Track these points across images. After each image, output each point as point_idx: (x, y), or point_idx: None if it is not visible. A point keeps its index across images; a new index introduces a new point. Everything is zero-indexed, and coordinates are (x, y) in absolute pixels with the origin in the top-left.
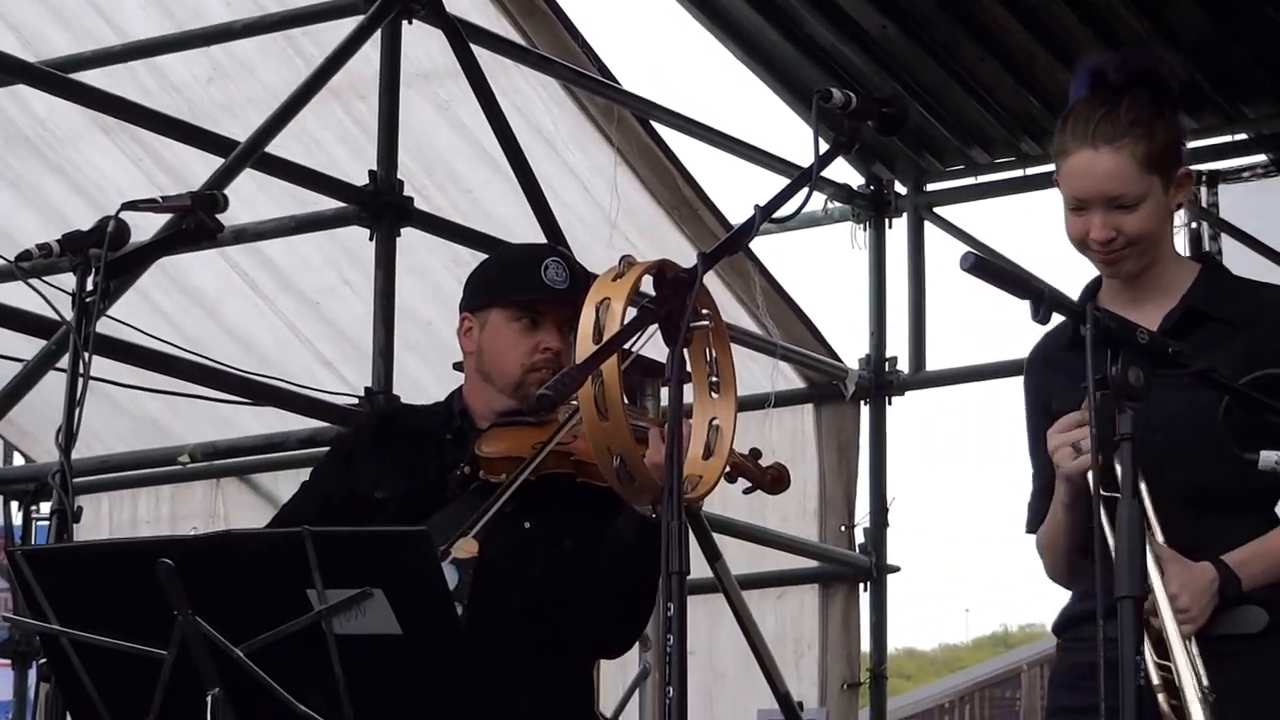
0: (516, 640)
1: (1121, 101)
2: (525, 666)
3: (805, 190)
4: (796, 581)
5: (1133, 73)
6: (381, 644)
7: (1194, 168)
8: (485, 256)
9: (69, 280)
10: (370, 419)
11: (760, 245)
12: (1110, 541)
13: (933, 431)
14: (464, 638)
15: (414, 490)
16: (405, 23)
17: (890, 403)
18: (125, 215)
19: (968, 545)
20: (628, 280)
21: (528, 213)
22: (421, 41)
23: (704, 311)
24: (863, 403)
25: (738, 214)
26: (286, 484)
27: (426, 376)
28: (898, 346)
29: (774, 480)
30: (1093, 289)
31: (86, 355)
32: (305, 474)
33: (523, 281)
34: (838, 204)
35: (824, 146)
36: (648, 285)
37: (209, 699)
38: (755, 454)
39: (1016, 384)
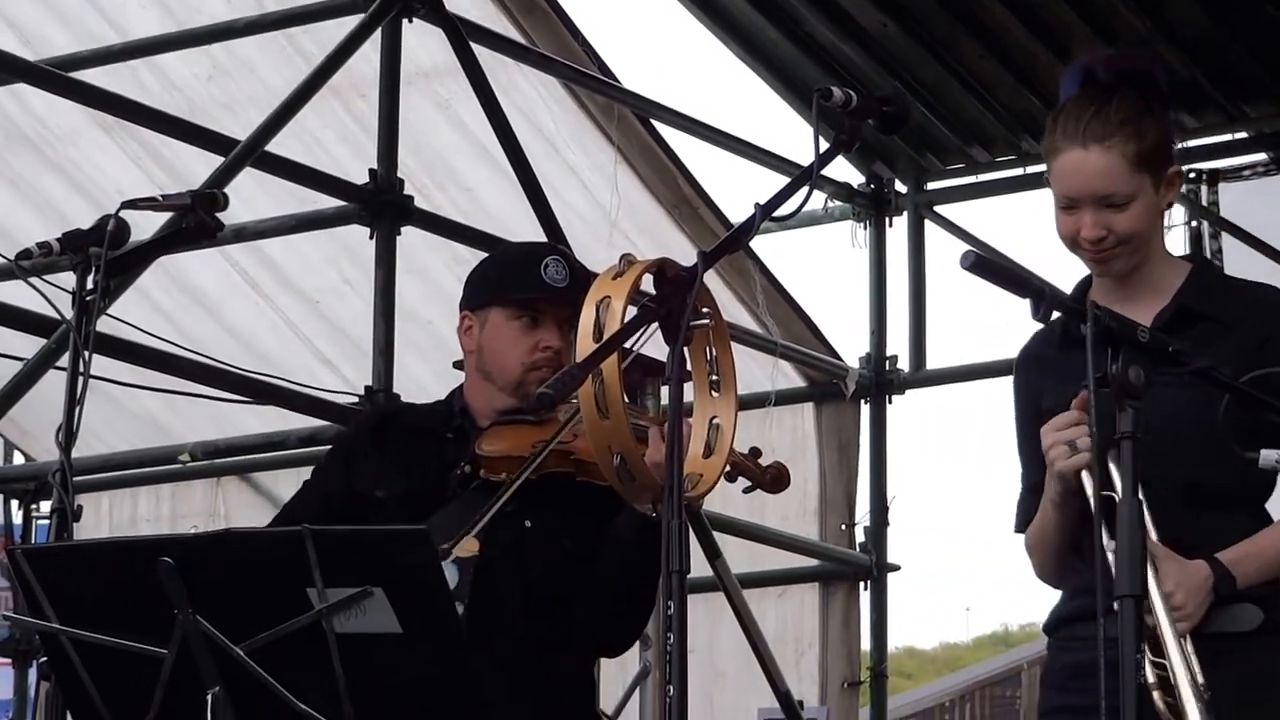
0: (517, 639)
1: (1112, 100)
2: (526, 665)
3: (805, 189)
4: (797, 580)
5: (1123, 72)
6: (382, 643)
7: (1195, 166)
8: (485, 255)
9: (69, 279)
10: (370, 418)
11: (760, 244)
12: (1106, 540)
13: (933, 430)
14: (464, 637)
15: (414, 489)
16: (405, 21)
17: (890, 401)
18: (125, 214)
19: (968, 544)
20: (628, 279)
21: (528, 211)
22: (422, 40)
23: (704, 310)
24: (863, 401)
25: (738, 212)
26: (287, 483)
27: (427, 375)
28: (898, 345)
29: (774, 479)
30: (1083, 288)
31: (87, 354)
32: (305, 473)
33: (523, 280)
34: (838, 202)
35: (824, 145)
36: (648, 284)
37: (209, 698)
38: (755, 453)
39: None
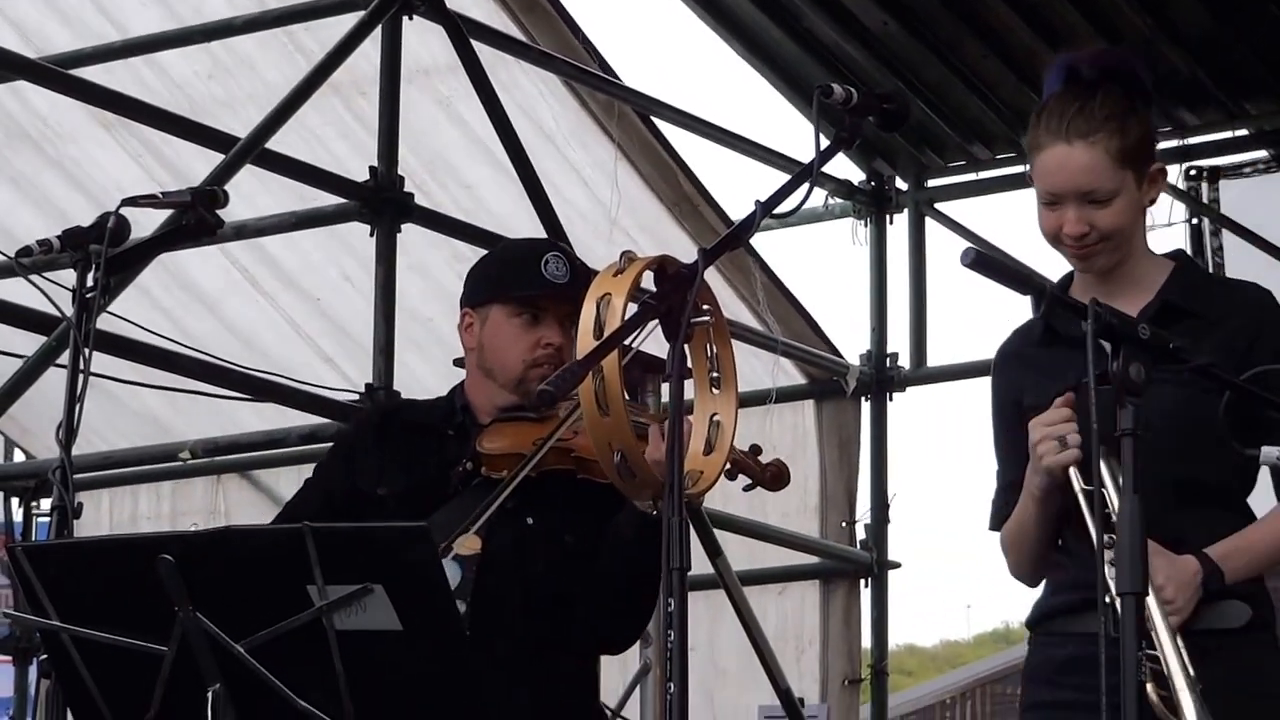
0: (518, 636)
1: (1095, 97)
2: (527, 662)
3: (806, 186)
4: (797, 578)
5: (1106, 68)
6: (382, 640)
7: (1196, 163)
8: (486, 252)
9: (69, 276)
10: (372, 415)
11: (761, 241)
12: (1095, 539)
13: (934, 427)
14: (465, 634)
15: (416, 486)
16: (406, 18)
17: (891, 399)
18: (125, 211)
19: (969, 541)
20: (628, 276)
21: (528, 209)
22: (422, 37)
23: (705, 307)
24: (864, 399)
25: (738, 210)
26: (287, 480)
27: (427, 373)
28: (899, 342)
29: (774, 477)
30: (1065, 284)
31: (87, 351)
32: (306, 470)
33: (523, 277)
34: (839, 200)
35: (825, 142)
36: (649, 281)
37: (210, 695)
38: (755, 450)
39: None
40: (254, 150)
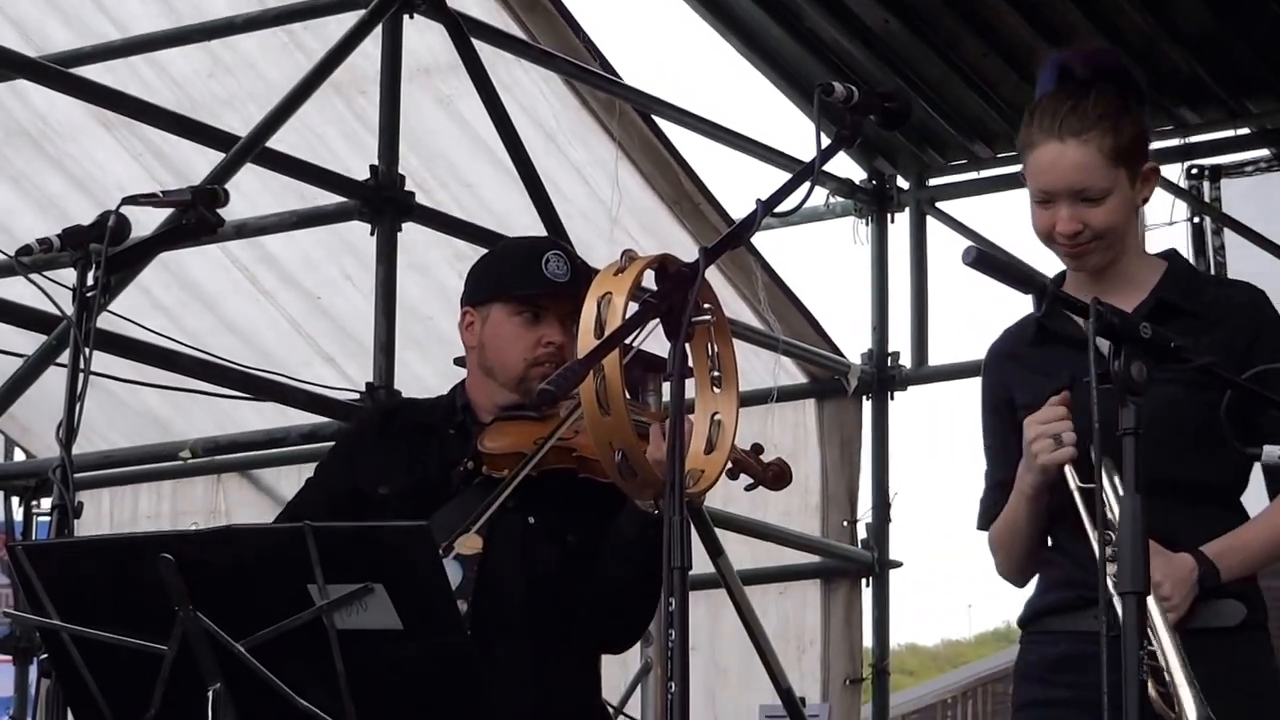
0: (520, 636)
1: (1088, 95)
2: (528, 662)
3: (807, 185)
4: (799, 577)
5: (1099, 68)
6: (383, 639)
7: (1198, 162)
8: (486, 251)
9: (69, 275)
10: (373, 415)
11: (762, 240)
12: (1093, 536)
13: (935, 426)
14: (466, 633)
15: (417, 486)
16: (406, 17)
17: (892, 398)
18: (126, 210)
19: (970, 540)
20: (629, 275)
21: (529, 207)
22: (423, 36)
23: (706, 306)
24: (865, 398)
25: (739, 209)
26: (288, 479)
27: (428, 372)
28: (900, 341)
29: (775, 476)
30: (1058, 284)
31: (87, 350)
32: (306, 469)
33: (524, 276)
34: (840, 199)
35: (826, 141)
36: (649, 280)
37: (210, 694)
38: (757, 449)
39: None
40: (255, 149)
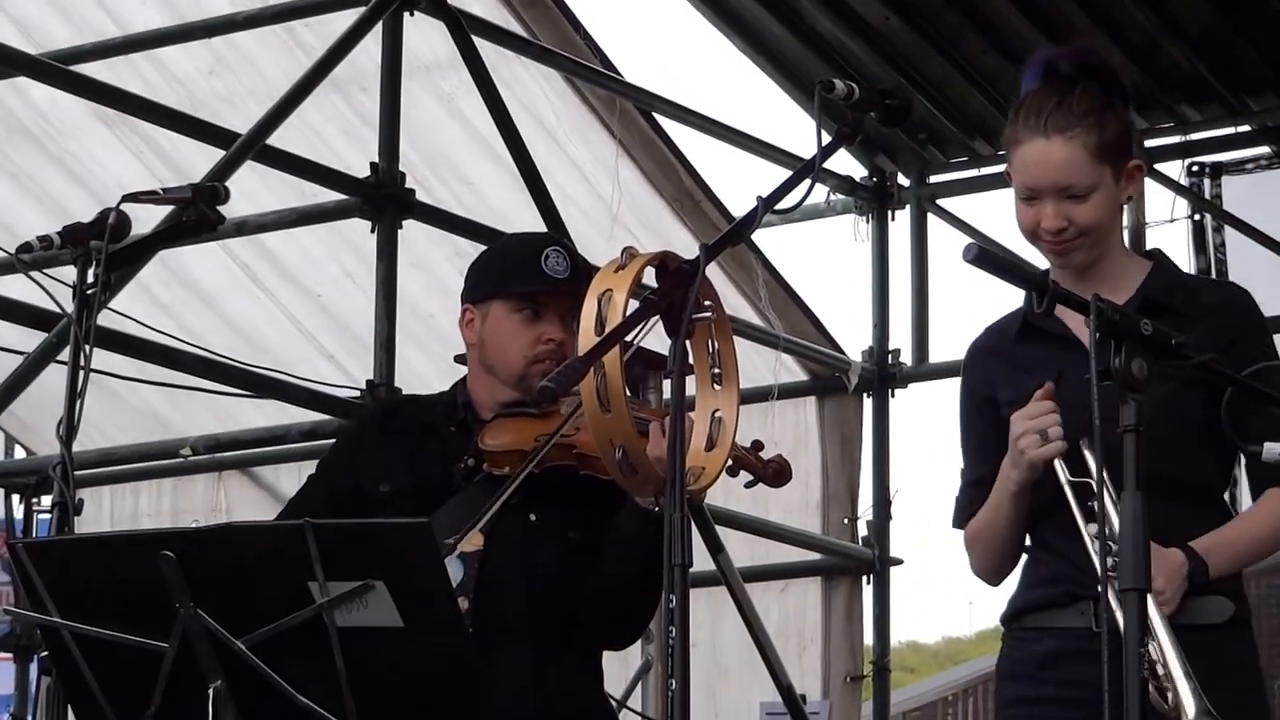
0: (521, 633)
1: (1073, 92)
2: (529, 658)
3: (808, 182)
4: (799, 574)
5: (1084, 65)
6: (383, 637)
7: (1198, 159)
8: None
9: (70, 273)
10: (374, 412)
11: (763, 237)
12: (1085, 531)
13: (935, 424)
14: (467, 631)
15: (418, 483)
16: (407, 14)
17: (893, 395)
18: (126, 207)
19: None
20: (630, 272)
21: (530, 205)
22: (423, 33)
23: (706, 303)
24: (865, 395)
25: (740, 206)
26: (288, 477)
27: (428, 369)
28: (900, 339)
29: (775, 473)
30: None
31: (87, 348)
32: (307, 467)
33: (524, 273)
34: (840, 196)
35: (827, 138)
36: (650, 277)
37: (211, 692)
38: (757, 446)
39: None
40: (255, 146)
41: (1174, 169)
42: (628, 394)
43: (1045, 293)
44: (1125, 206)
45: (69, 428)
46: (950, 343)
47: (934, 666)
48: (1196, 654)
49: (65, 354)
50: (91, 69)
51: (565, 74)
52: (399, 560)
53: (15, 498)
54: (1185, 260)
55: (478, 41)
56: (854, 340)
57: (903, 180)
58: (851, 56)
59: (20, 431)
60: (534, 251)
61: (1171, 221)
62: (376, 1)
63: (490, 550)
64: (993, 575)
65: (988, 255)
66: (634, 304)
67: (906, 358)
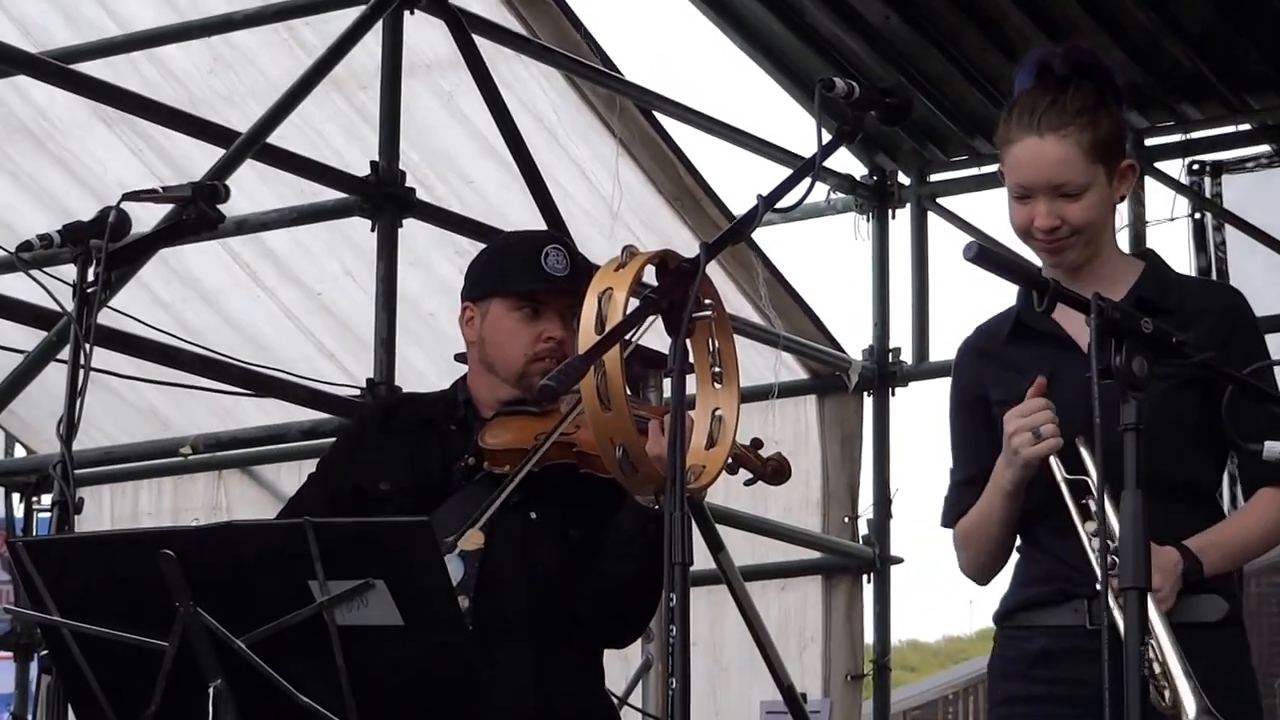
0: (521, 631)
1: (1067, 91)
2: (529, 657)
3: (808, 181)
4: (800, 573)
5: (1077, 64)
6: (384, 635)
7: (1199, 158)
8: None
9: (70, 271)
10: (374, 410)
11: (763, 236)
12: (1081, 529)
13: (936, 422)
14: (467, 629)
15: (419, 481)
16: (407, 13)
17: (893, 394)
18: (126, 206)
19: None
20: (630, 270)
21: (530, 204)
22: (423, 32)
23: (706, 302)
24: (866, 394)
25: (740, 204)
26: (288, 475)
27: (428, 367)
28: (901, 337)
29: (775, 471)
30: None
31: (88, 346)
32: (307, 465)
33: (524, 271)
34: (841, 195)
35: (827, 137)
36: (650, 276)
37: (211, 690)
38: (757, 444)
39: None
40: (255, 145)
41: (1174, 168)
42: (628, 392)
43: (1046, 291)
44: (1119, 206)
45: (69, 426)
46: (951, 341)
47: (934, 665)
48: (1190, 653)
49: (65, 352)
50: (91, 68)
51: (565, 73)
52: (399, 559)
53: (15, 496)
54: (1186, 259)
55: (478, 40)
56: (854, 339)
57: (903, 179)
58: (852, 55)
59: (20, 430)
60: (534, 250)
61: (1172, 220)
62: (377, 0)
63: (490, 549)
64: (982, 574)
65: (988, 254)
66: (634, 302)
67: (907, 356)
